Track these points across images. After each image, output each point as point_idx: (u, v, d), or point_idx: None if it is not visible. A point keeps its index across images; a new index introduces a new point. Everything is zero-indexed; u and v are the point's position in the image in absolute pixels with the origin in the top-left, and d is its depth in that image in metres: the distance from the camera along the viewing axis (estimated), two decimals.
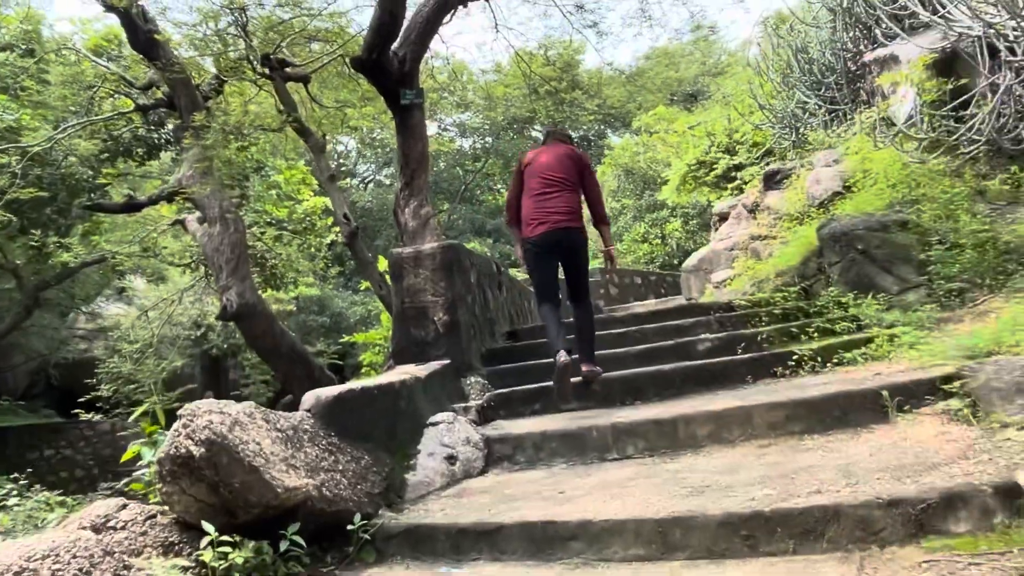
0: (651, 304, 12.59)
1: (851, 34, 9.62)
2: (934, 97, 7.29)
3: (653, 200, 19.83)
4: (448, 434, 3.94)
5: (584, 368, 4.59)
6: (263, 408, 3.28)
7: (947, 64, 7.80)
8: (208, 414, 2.81)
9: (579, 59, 27.73)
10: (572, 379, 4.42)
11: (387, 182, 30.76)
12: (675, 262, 18.93)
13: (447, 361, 4.90)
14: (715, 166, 12.43)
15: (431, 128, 31.00)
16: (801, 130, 10.37)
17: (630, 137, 23.60)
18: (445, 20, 7.72)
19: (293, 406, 3.72)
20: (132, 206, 8.76)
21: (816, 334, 5.28)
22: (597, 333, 4.95)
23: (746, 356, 4.93)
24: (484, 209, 29.86)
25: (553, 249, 4.70)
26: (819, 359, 4.79)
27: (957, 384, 3.46)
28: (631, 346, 5.48)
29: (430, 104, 28.14)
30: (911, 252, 5.92)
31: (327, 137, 12.52)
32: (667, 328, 5.75)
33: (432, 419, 4.06)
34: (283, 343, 7.39)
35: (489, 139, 30.27)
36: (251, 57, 7.66)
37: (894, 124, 8.61)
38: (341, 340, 11.72)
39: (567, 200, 4.68)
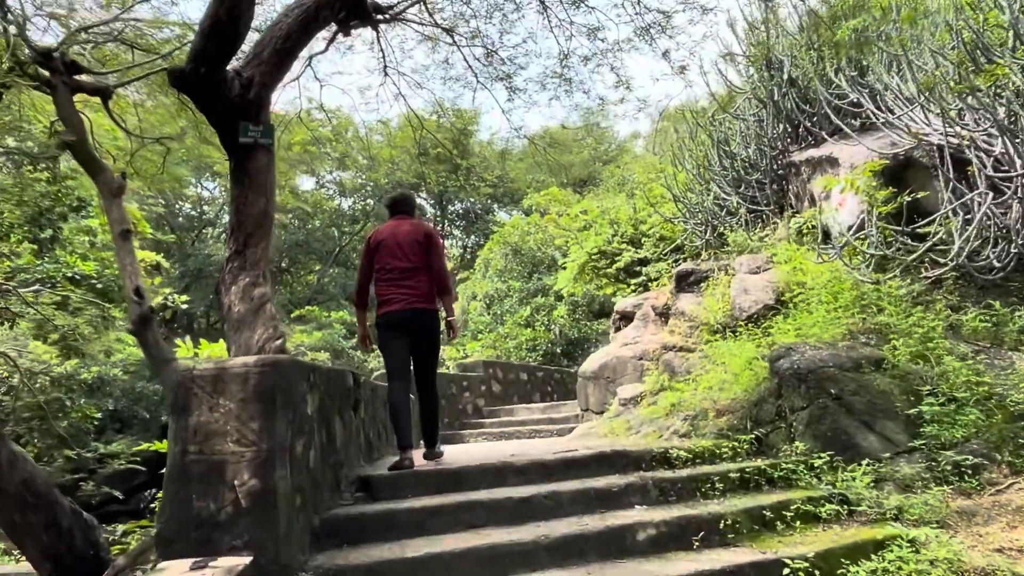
0: (539, 410, 10.96)
1: (778, 129, 8.73)
2: (888, 208, 6.27)
3: (541, 284, 18.57)
4: None
5: (431, 454, 4.90)
6: None
7: (896, 173, 6.89)
8: None
9: (474, 128, 26.73)
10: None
11: None
12: (558, 350, 17.68)
13: (247, 560, 2.95)
14: (618, 258, 11.19)
15: (307, 183, 28.84)
16: (719, 229, 9.30)
17: (520, 215, 22.43)
18: (319, 49, 6.02)
19: None
20: None
21: (798, 521, 3.77)
22: (495, 495, 4.06)
23: (714, 563, 3.31)
24: None
25: (405, 327, 4.79)
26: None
27: None
28: (541, 521, 3.77)
29: (309, 157, 26.00)
30: (894, 402, 4.61)
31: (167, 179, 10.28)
32: (588, 493, 4.06)
33: None
34: (10, 477, 4.70)
35: (371, 201, 28.36)
36: (17, 52, 5.39)
37: (827, 233, 7.64)
38: (139, 448, 9.14)
39: (420, 283, 4.82)
